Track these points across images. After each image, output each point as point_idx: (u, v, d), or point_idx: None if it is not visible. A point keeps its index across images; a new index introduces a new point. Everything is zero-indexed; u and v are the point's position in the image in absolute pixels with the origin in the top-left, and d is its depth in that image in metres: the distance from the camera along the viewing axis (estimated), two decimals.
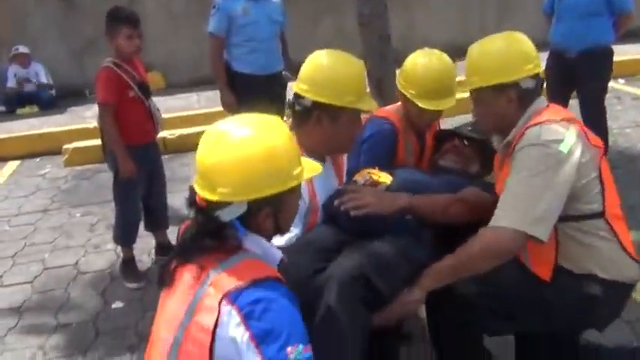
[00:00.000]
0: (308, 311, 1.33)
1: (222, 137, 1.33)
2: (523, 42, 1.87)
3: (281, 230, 1.42)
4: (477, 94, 1.89)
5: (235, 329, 1.18)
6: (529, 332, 2.02)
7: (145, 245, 3.68)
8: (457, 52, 8.77)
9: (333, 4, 7.94)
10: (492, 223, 1.71)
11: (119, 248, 3.65)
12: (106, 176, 5.10)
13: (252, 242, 1.34)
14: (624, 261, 1.81)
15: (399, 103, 2.44)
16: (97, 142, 5.54)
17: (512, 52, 1.84)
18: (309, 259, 1.71)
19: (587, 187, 1.75)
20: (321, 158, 2.03)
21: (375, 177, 2.02)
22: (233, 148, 1.30)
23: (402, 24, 7.79)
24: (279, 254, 1.39)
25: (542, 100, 1.88)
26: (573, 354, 2.06)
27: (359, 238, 1.82)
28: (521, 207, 1.67)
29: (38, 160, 5.71)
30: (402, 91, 2.35)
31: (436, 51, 2.34)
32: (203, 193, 1.31)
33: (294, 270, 1.53)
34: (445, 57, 2.32)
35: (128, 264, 3.32)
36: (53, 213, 4.38)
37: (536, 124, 1.75)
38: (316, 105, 1.89)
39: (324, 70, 1.92)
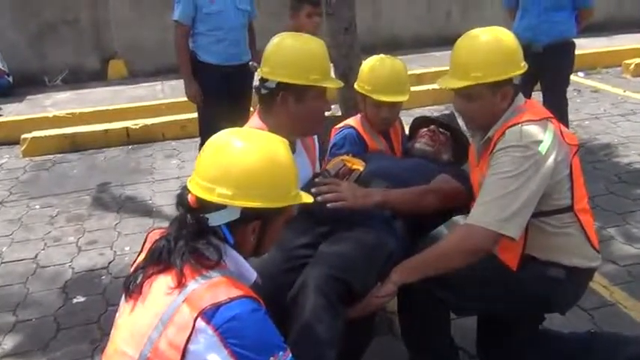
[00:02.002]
0: (281, 311, 1.34)
1: (230, 143, 1.34)
2: (514, 38, 1.89)
3: (259, 251, 1.41)
4: (473, 90, 1.84)
5: (212, 348, 1.17)
6: (496, 312, 2.07)
7: (108, 238, 3.62)
8: (423, 43, 8.82)
9: None
10: (468, 220, 1.77)
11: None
12: (66, 167, 5.00)
13: (231, 259, 1.33)
14: (588, 251, 1.90)
15: (357, 116, 2.54)
16: (57, 131, 5.49)
17: (512, 47, 1.85)
18: (279, 258, 1.73)
19: (560, 184, 1.81)
20: (292, 144, 2.03)
21: (348, 164, 2.06)
22: (242, 153, 1.31)
23: (368, 14, 7.79)
24: (254, 275, 1.38)
25: (521, 97, 1.91)
26: (532, 340, 2.12)
27: (332, 230, 1.85)
28: (496, 206, 1.71)
29: None
30: (360, 90, 2.43)
31: (388, 56, 2.51)
32: (201, 193, 1.30)
33: (265, 268, 1.53)
34: (397, 60, 2.45)
35: None
36: (11, 205, 4.24)
37: (516, 124, 1.78)
38: (281, 86, 1.89)
39: (286, 51, 1.92)
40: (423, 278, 1.80)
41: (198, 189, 1.31)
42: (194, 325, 1.18)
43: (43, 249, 3.55)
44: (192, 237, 1.29)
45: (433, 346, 2.04)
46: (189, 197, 1.32)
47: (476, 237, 1.73)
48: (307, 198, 1.42)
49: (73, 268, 3.30)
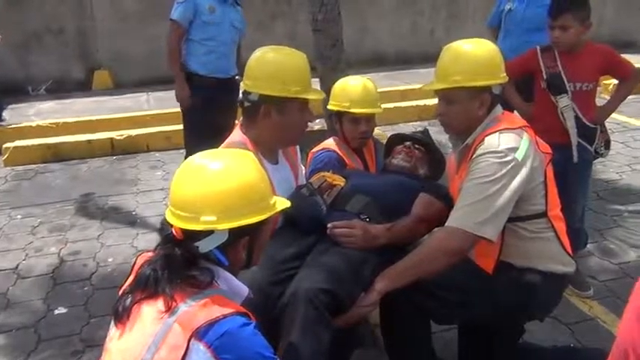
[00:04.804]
0: (269, 323, 1.36)
1: (201, 169, 1.35)
2: (497, 50, 1.98)
3: (251, 262, 1.44)
4: (453, 93, 1.94)
5: None
6: (476, 319, 2.11)
7: (91, 249, 3.60)
8: (407, 60, 8.92)
9: (285, 11, 7.97)
10: (448, 223, 1.82)
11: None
12: (49, 177, 4.96)
13: (222, 279, 1.34)
14: (562, 257, 1.96)
15: (330, 139, 2.59)
16: (40, 141, 5.45)
17: (492, 57, 1.94)
18: (266, 271, 1.75)
19: (535, 190, 1.88)
20: (274, 155, 2.08)
21: (329, 180, 2.09)
22: (216, 178, 1.33)
23: (354, 31, 7.89)
24: (245, 290, 1.40)
25: (499, 107, 1.99)
26: (512, 353, 2.16)
27: (317, 241, 1.89)
28: (474, 210, 1.78)
29: None
30: (336, 108, 2.50)
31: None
32: (185, 225, 1.31)
33: (253, 280, 1.56)
34: (365, 77, 2.57)
35: None
36: None
37: (494, 132, 1.85)
38: (263, 98, 1.93)
39: (267, 64, 1.96)
40: (404, 289, 1.84)
41: (180, 221, 1.32)
42: (188, 345, 1.19)
43: (25, 259, 3.51)
44: (183, 266, 1.29)
45: (415, 358, 2.06)
46: (173, 230, 1.34)
47: (455, 239, 1.79)
48: (283, 203, 1.45)
49: (54, 279, 3.27)
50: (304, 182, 2.19)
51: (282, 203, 1.44)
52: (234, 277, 1.37)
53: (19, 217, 4.15)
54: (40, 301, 3.06)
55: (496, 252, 1.91)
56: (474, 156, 1.85)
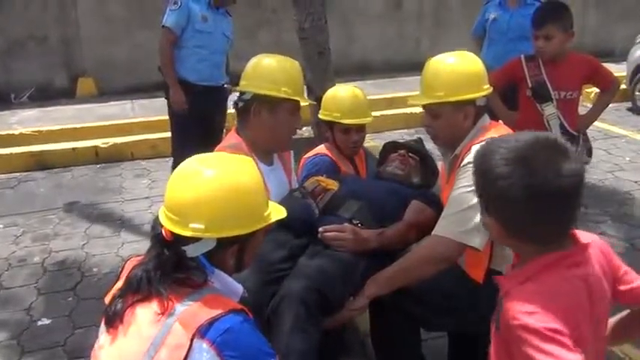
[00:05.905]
0: (261, 323, 1.37)
1: (197, 174, 1.34)
2: (480, 63, 2.00)
3: (241, 267, 1.43)
4: (438, 108, 1.96)
5: None
6: (465, 326, 2.11)
7: (75, 258, 3.55)
8: (393, 69, 8.95)
9: (270, 19, 7.98)
10: (434, 231, 1.84)
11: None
12: (32, 185, 4.90)
13: (217, 278, 1.34)
14: None
15: (322, 145, 2.61)
16: (23, 149, 5.39)
17: (475, 71, 1.96)
18: (259, 271, 1.76)
19: None
20: (269, 157, 2.13)
21: (322, 184, 2.13)
22: (209, 186, 1.32)
23: (341, 39, 7.93)
24: (240, 288, 1.40)
25: (486, 117, 2.01)
26: None
27: (309, 243, 1.92)
28: (461, 219, 1.79)
29: None
30: (327, 118, 2.53)
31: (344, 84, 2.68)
32: (174, 228, 1.30)
33: (245, 281, 1.57)
34: (354, 86, 2.62)
35: None
36: None
37: (481, 142, 1.85)
38: (255, 97, 2.03)
39: (261, 66, 2.09)
40: (394, 295, 1.85)
41: (170, 223, 1.31)
42: (191, 344, 1.18)
43: (7, 269, 3.45)
44: (172, 268, 1.29)
45: None
46: (163, 231, 1.33)
47: (442, 247, 1.81)
48: (279, 212, 1.44)
49: (38, 290, 3.22)
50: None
51: (277, 213, 1.42)
52: (228, 276, 1.37)
53: (1, 226, 4.08)
54: (24, 312, 3.01)
55: (485, 261, 1.92)
56: (462, 165, 1.87)
